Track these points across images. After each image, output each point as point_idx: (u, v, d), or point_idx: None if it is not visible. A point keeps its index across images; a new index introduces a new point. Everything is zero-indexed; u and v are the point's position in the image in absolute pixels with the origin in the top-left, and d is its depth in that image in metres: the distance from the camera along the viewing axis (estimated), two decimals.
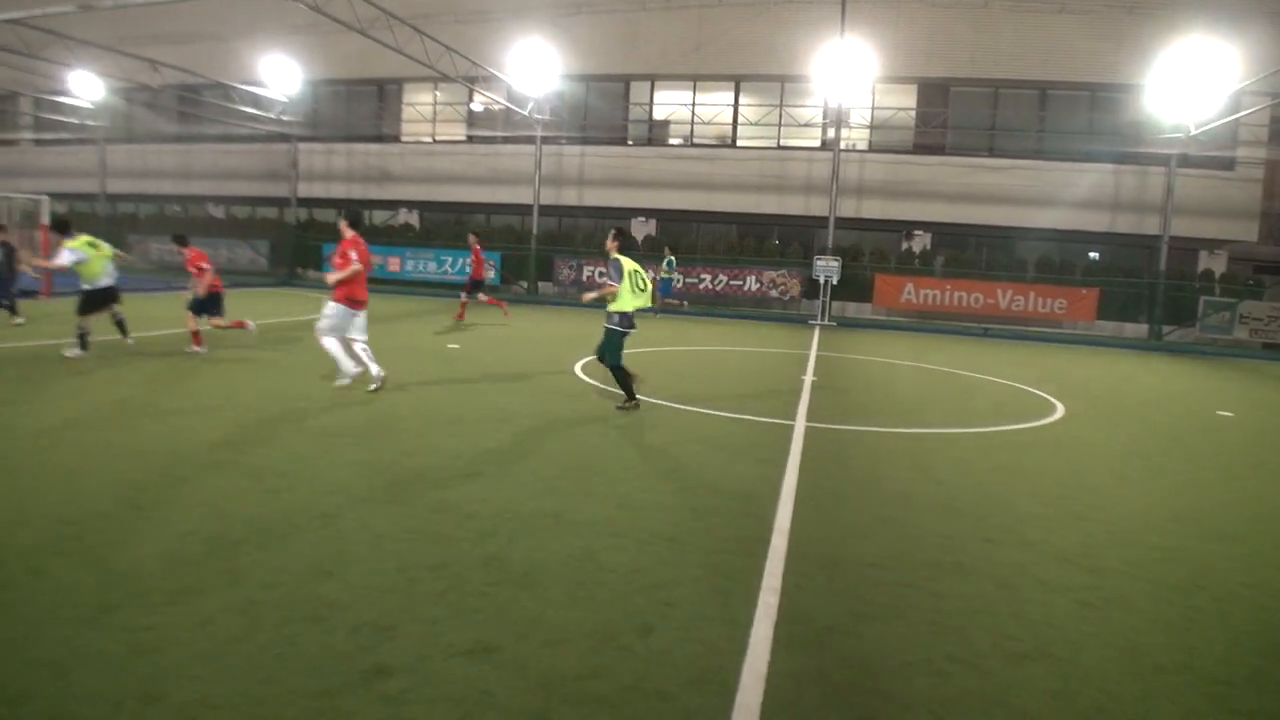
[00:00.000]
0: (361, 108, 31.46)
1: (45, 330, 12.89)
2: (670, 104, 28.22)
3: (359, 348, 9.13)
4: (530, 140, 27.32)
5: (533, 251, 27.15)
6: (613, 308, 8.64)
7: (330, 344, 9.11)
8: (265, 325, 15.40)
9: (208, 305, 11.55)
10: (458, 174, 29.86)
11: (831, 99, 24.93)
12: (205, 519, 4.79)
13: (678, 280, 24.29)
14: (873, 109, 26.54)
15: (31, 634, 3.37)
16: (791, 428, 8.23)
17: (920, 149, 26.13)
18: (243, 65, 29.14)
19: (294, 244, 30.29)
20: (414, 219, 30.89)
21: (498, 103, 26.90)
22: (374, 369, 9.11)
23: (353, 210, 9.78)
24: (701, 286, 25.44)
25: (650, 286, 8.93)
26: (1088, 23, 23.86)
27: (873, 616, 3.93)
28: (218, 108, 30.42)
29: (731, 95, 27.47)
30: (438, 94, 30.38)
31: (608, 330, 8.67)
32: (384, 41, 20.17)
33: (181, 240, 12.13)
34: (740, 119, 27.42)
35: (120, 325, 11.12)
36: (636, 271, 8.70)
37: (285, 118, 30.04)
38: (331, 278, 8.99)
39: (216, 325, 11.77)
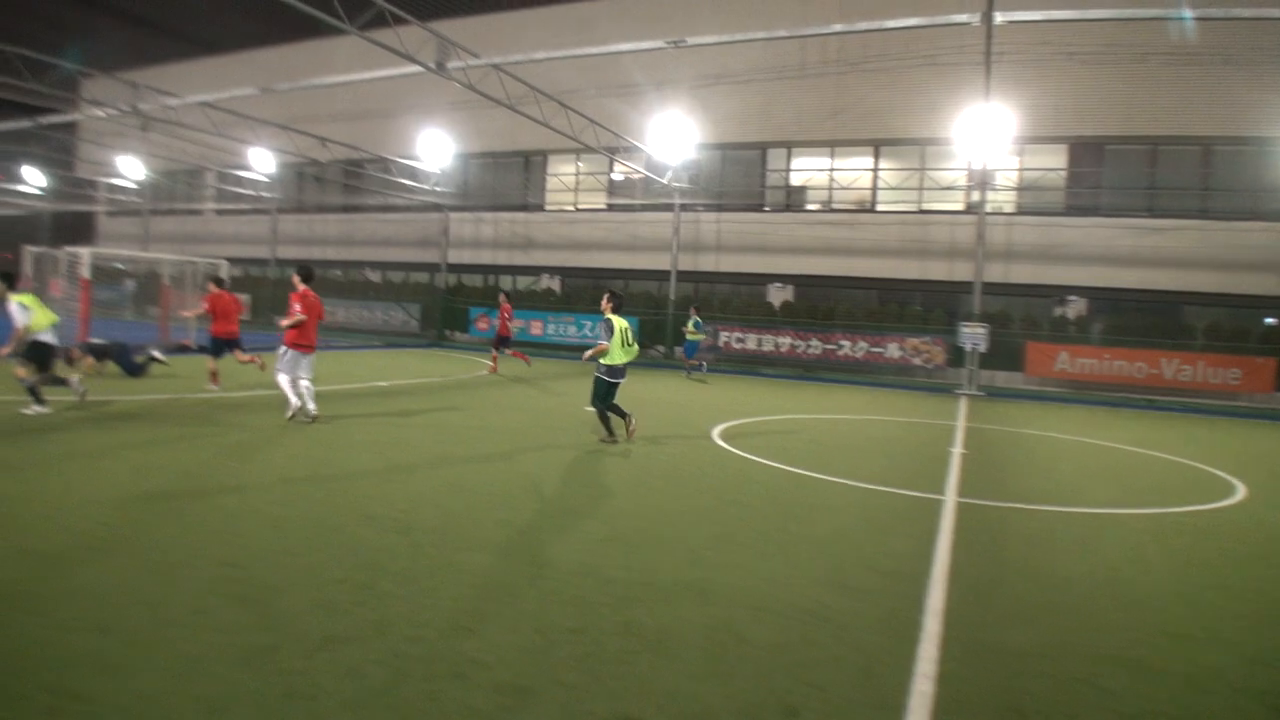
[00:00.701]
0: (508, 178, 32.94)
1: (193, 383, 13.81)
2: (807, 170, 28.22)
3: (304, 385, 10.45)
4: (668, 208, 27.84)
5: (670, 316, 27.40)
6: (604, 361, 10.04)
7: (283, 380, 10.44)
8: (412, 384, 16.08)
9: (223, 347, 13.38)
10: (598, 241, 30.70)
11: (975, 161, 24.26)
12: (355, 569, 4.94)
13: (706, 338, 23.98)
14: (1020, 170, 25.67)
15: (191, 671, 3.53)
16: (941, 503, 7.82)
17: (1073, 210, 24.99)
18: (401, 140, 31.14)
19: (443, 307, 31.70)
20: (555, 284, 31.83)
21: (637, 172, 27.63)
22: (310, 406, 10.43)
23: (305, 266, 10.91)
24: (840, 353, 24.93)
25: (635, 344, 10.36)
26: (1255, 74, 22.40)
27: (1038, 713, 3.61)
28: (378, 180, 32.65)
29: (870, 159, 27.20)
30: (580, 164, 31.49)
31: (596, 378, 10.16)
32: (531, 116, 21.12)
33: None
34: (880, 183, 27.08)
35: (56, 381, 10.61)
36: (626, 330, 10.16)
37: (438, 189, 31.78)
38: (284, 322, 10.51)
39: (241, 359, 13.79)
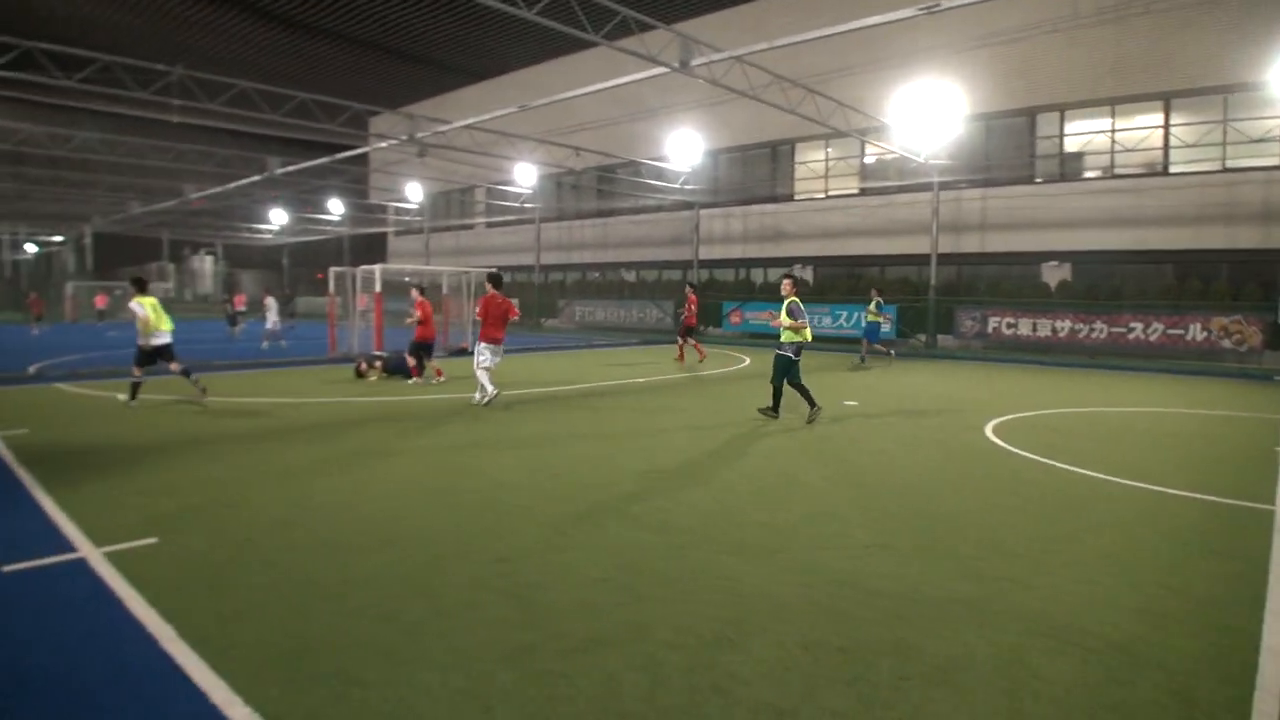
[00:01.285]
0: (756, 170, 32.73)
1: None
2: (1084, 133, 25.40)
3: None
4: (926, 188, 26.30)
5: (931, 303, 25.89)
6: (795, 339, 10.76)
7: (481, 374, 11.98)
8: (667, 380, 16.31)
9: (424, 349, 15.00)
10: (851, 228, 29.68)
11: None
12: (616, 569, 4.96)
13: (885, 324, 22.20)
14: None
15: (460, 664, 3.67)
16: (1271, 514, 6.59)
17: None
18: (650, 142, 31.94)
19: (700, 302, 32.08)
20: (808, 274, 31.21)
21: (891, 152, 26.35)
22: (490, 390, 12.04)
23: (493, 274, 12.69)
24: (1131, 336, 22.19)
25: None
26: None
27: None
28: (629, 183, 33.70)
29: (1160, 115, 23.95)
30: (829, 150, 30.60)
31: (782, 356, 10.83)
32: (777, 104, 20.77)
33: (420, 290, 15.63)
34: (1173, 141, 23.76)
35: (186, 374, 12.16)
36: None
37: (688, 186, 32.22)
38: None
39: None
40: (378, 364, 15.87)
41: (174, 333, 12.25)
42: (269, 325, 24.06)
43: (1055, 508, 6.66)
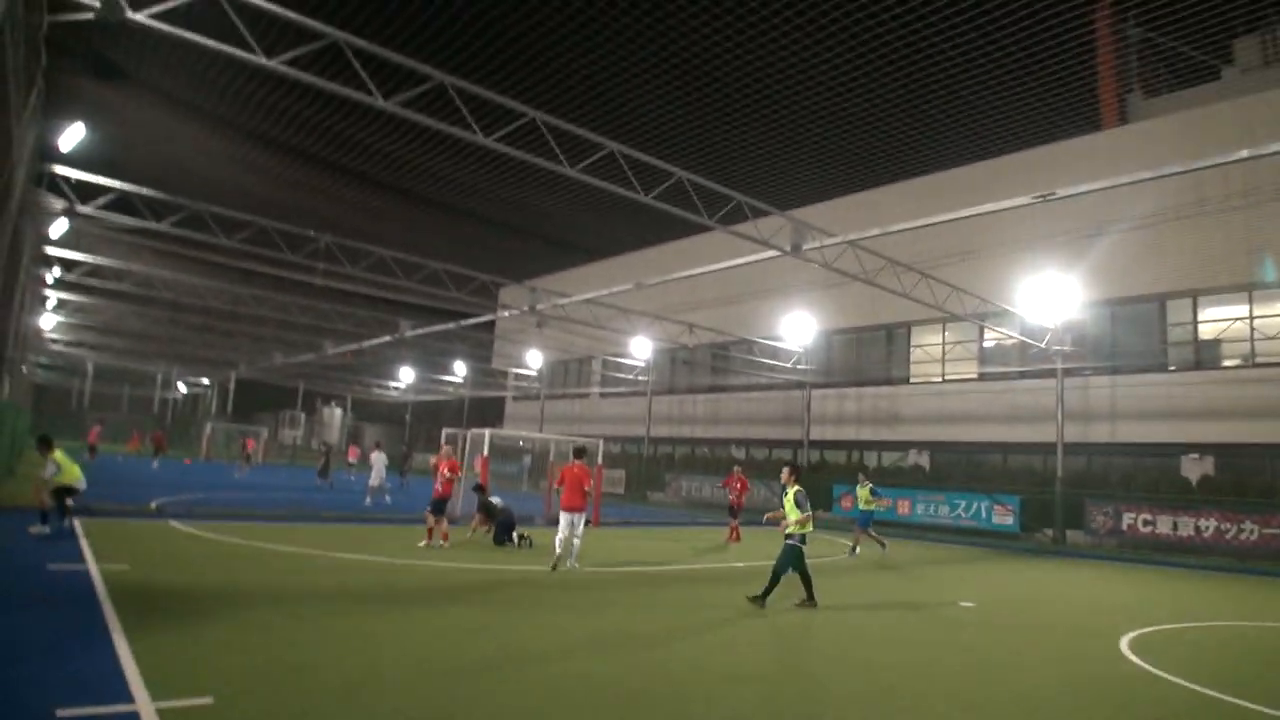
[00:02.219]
0: (871, 352, 32.41)
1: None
2: (1220, 320, 24.13)
3: (574, 542, 12.86)
4: (1050, 374, 25.29)
5: (1058, 495, 24.28)
6: (802, 531, 10.91)
7: (558, 539, 12.84)
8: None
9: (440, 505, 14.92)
10: (969, 413, 28.67)
11: None
12: None
13: (880, 508, 20.62)
14: None
15: None
16: None
17: None
18: (763, 321, 32.27)
19: (807, 485, 31.19)
20: (924, 460, 30.06)
21: (1011, 337, 25.67)
22: (571, 560, 12.85)
23: (579, 446, 14.22)
24: None
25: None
26: None
27: None
28: (742, 360, 33.91)
29: None
30: (946, 334, 30.12)
31: (791, 547, 10.80)
32: (890, 289, 20.72)
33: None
34: None
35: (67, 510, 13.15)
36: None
37: (800, 366, 32.11)
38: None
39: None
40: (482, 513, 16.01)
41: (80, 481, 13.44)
42: (372, 481, 24.35)
43: None
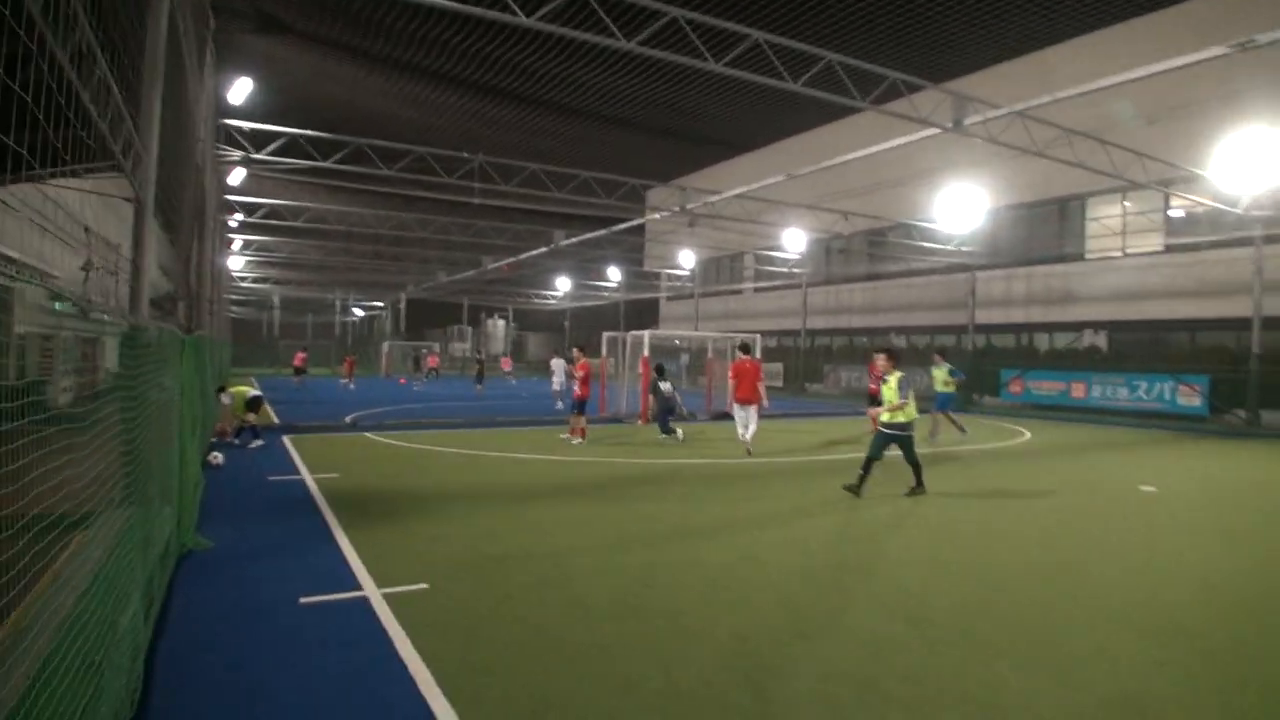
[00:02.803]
0: (1041, 229, 30.50)
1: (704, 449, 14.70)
2: None
3: (750, 429, 14.25)
4: (1246, 242, 23.09)
5: (1253, 374, 22.45)
6: (896, 420, 10.32)
7: (741, 431, 14.34)
8: (941, 452, 15.37)
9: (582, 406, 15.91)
10: (1152, 289, 26.68)
11: None
12: (861, 661, 4.67)
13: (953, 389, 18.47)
14: None
15: None
16: None
17: None
18: (921, 204, 30.84)
19: (972, 370, 30.27)
20: (1101, 340, 28.40)
21: (1202, 204, 23.49)
22: (747, 439, 14.24)
23: (743, 343, 15.51)
24: None
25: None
26: None
27: None
28: (901, 246, 32.72)
29: None
30: (1126, 204, 27.88)
31: (881, 434, 10.43)
32: (1064, 159, 19.31)
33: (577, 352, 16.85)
34: None
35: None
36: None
37: (964, 248, 30.70)
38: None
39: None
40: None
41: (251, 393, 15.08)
42: (555, 386, 25.74)
43: None
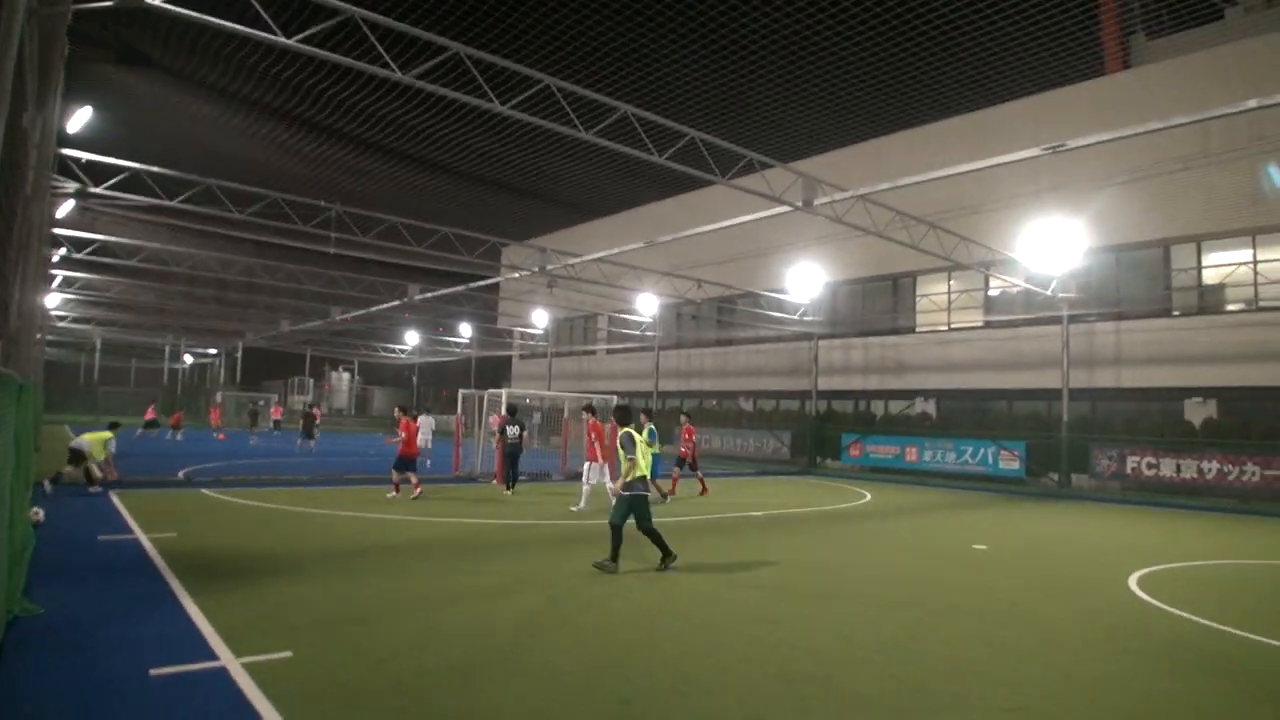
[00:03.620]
0: (876, 303, 32.63)
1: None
2: (1224, 265, 24.33)
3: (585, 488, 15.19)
4: (1055, 321, 25.60)
5: (1063, 440, 24.72)
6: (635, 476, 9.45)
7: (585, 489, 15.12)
8: (788, 514, 16.00)
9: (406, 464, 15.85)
10: (975, 361, 29.01)
11: None
12: (737, 716, 4.82)
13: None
14: None
15: None
16: None
17: None
18: (770, 275, 32.47)
19: (814, 434, 31.69)
20: (930, 408, 30.47)
21: (1016, 285, 25.88)
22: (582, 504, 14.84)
23: (588, 405, 16.26)
24: None
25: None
26: None
27: None
28: (749, 314, 34.15)
29: None
30: (952, 282, 30.32)
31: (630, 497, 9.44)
32: (899, 240, 20.89)
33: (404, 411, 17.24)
34: None
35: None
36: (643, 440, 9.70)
37: (807, 318, 32.35)
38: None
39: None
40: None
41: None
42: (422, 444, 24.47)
43: (1218, 678, 6.12)
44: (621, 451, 9.51)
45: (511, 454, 17.84)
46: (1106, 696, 5.53)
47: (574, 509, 14.79)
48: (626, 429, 9.72)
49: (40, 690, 4.95)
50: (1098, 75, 25.54)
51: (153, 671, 5.29)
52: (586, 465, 15.44)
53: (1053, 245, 22.61)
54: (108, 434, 15.62)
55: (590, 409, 15.90)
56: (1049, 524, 16.00)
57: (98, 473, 14.77)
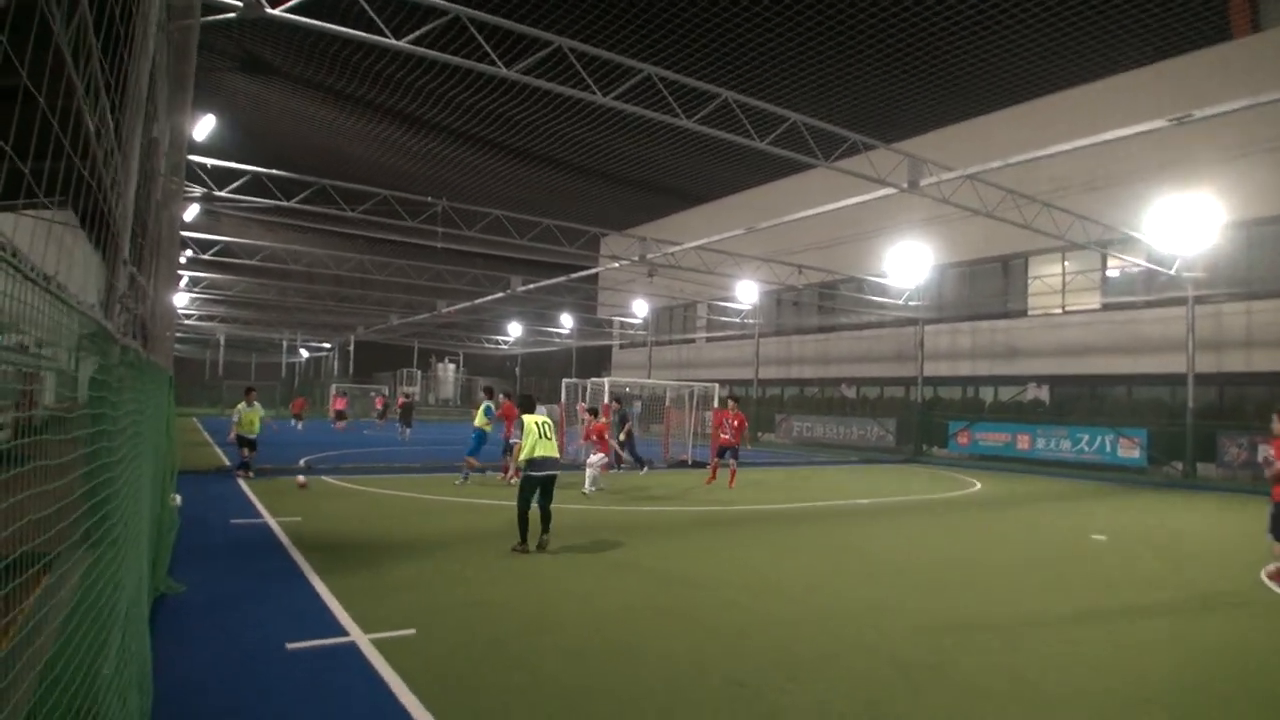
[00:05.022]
0: (986, 285, 31.56)
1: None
2: None
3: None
4: (1179, 302, 24.24)
5: (1188, 427, 23.42)
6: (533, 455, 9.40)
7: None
8: (900, 502, 15.70)
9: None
10: (1091, 345, 27.74)
11: None
12: (859, 705, 4.80)
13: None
14: None
15: None
16: None
17: None
18: (873, 259, 31.75)
19: (920, 422, 30.95)
20: (1044, 394, 29.32)
21: (1137, 265, 24.60)
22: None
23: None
24: None
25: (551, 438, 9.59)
26: None
27: None
28: (852, 299, 33.52)
29: None
30: (1067, 264, 29.05)
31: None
32: (1010, 220, 20.15)
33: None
34: None
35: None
36: (542, 424, 9.56)
37: (912, 302, 31.57)
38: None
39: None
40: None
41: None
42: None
43: None
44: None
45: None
46: (1239, 692, 5.26)
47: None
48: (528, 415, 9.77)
49: (189, 662, 5.31)
50: (1223, 40, 23.97)
51: (289, 645, 5.61)
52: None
53: (1179, 222, 21.38)
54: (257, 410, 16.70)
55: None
56: (1173, 515, 15.24)
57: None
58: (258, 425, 16.21)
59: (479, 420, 16.49)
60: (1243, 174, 23.51)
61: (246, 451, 15.90)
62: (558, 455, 9.77)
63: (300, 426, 35.43)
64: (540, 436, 9.45)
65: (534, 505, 9.48)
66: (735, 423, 17.03)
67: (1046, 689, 5.21)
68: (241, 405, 16.12)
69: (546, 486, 9.58)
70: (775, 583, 8.20)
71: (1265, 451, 11.82)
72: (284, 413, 43.77)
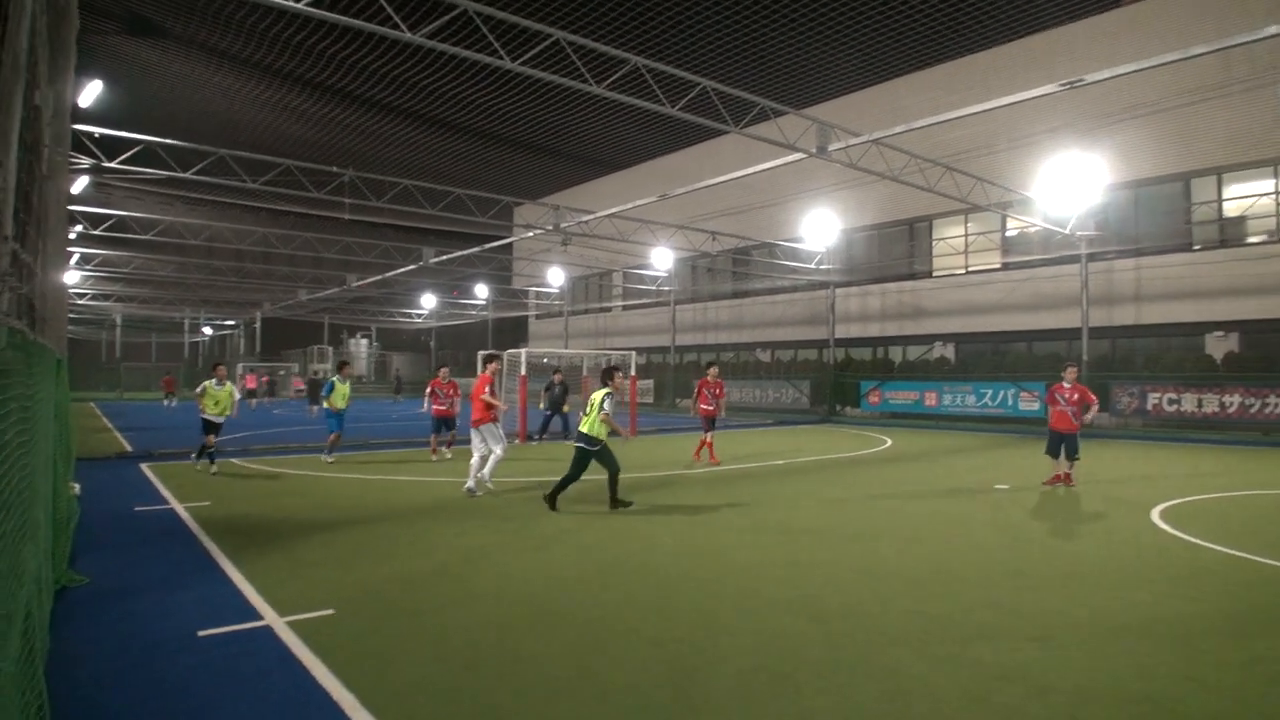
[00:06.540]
0: (893, 248, 32.40)
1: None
2: (1245, 196, 23.96)
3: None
4: (1073, 260, 25.36)
5: (1084, 379, 24.56)
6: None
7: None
8: (806, 461, 16.12)
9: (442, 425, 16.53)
10: (994, 303, 28.84)
11: None
12: (771, 656, 4.94)
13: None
14: None
15: None
16: None
17: None
18: (785, 225, 32.27)
19: (832, 383, 31.71)
20: (950, 352, 30.38)
21: (1034, 225, 25.60)
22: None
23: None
24: None
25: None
26: None
27: None
28: (765, 264, 34.00)
29: None
30: (969, 225, 30.03)
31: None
32: (914, 184, 20.67)
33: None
34: None
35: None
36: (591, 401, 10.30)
37: (823, 267, 32.20)
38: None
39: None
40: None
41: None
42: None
43: (1243, 603, 6.18)
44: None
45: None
46: (1130, 623, 5.61)
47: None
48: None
49: (93, 655, 5.11)
50: (1113, 7, 24.93)
51: (201, 633, 5.46)
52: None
53: (1070, 183, 22.30)
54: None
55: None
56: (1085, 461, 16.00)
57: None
58: (226, 407, 14.22)
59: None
60: (1128, 137, 24.64)
61: (212, 439, 13.98)
62: (588, 431, 10.20)
63: (172, 405, 34.40)
64: (584, 413, 10.36)
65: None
66: (717, 391, 16.10)
67: (957, 629, 5.45)
68: (209, 383, 14.21)
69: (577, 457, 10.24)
70: (692, 545, 8.33)
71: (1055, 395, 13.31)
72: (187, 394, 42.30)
